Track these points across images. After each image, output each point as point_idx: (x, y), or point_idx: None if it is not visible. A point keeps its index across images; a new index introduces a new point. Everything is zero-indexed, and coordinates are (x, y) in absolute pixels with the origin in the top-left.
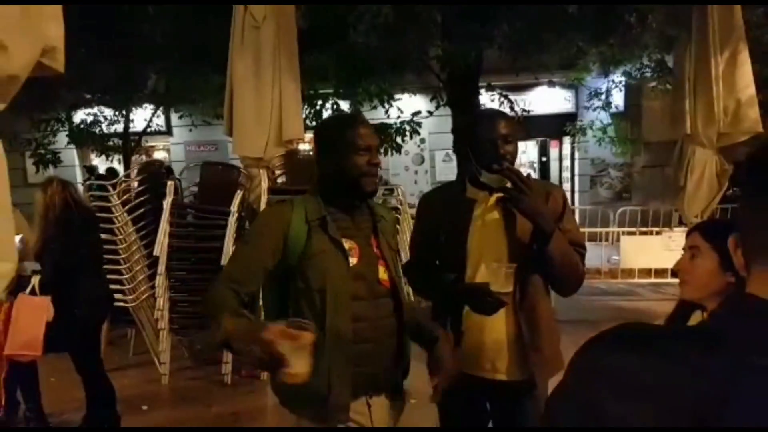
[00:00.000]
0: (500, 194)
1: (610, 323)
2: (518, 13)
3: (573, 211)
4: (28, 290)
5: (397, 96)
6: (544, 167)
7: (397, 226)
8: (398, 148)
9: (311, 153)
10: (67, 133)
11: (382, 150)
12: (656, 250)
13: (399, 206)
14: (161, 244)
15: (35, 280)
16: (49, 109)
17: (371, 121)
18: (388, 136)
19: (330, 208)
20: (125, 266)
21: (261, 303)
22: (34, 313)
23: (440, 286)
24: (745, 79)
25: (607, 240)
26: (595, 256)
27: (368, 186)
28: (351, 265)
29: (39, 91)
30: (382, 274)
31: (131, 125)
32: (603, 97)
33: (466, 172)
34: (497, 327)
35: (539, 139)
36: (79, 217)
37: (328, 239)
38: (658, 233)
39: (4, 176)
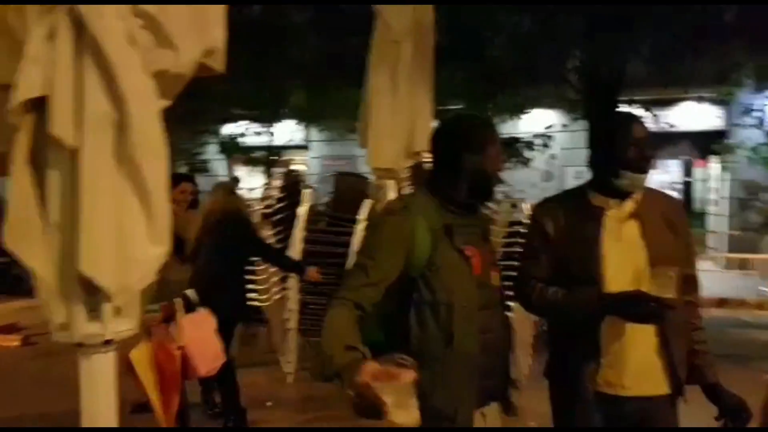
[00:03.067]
0: (634, 205)
1: (759, 360)
2: (666, 21)
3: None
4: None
5: (527, 110)
6: (687, 188)
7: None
8: (525, 162)
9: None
10: (217, 144)
11: (508, 164)
12: None
13: (524, 221)
14: (295, 248)
15: (190, 292)
16: (201, 121)
17: (500, 135)
18: (516, 149)
19: (448, 213)
20: (261, 267)
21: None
22: (203, 328)
23: (579, 299)
24: None
25: (755, 269)
26: (741, 285)
27: (495, 187)
28: (474, 273)
29: (194, 104)
30: (495, 280)
31: (274, 139)
32: (757, 114)
33: (591, 180)
34: (642, 343)
35: (683, 158)
36: (234, 223)
37: (453, 249)
38: None
39: (163, 159)
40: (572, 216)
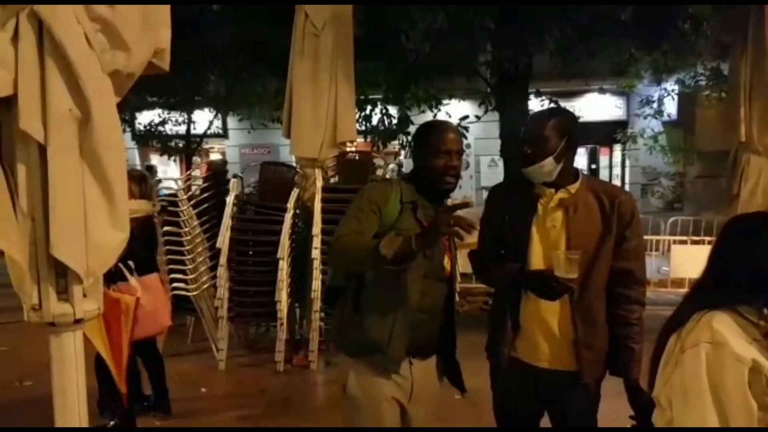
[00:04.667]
0: (563, 195)
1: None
2: (569, 18)
3: (641, 224)
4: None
5: (445, 101)
6: (594, 175)
7: None
8: None
9: (358, 155)
10: (130, 133)
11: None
12: None
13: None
14: (224, 237)
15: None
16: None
17: (419, 126)
18: None
19: (419, 196)
20: (189, 257)
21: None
22: (153, 290)
23: (504, 273)
24: None
25: (657, 250)
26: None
27: (444, 185)
28: None
29: None
30: (446, 263)
31: (193, 128)
32: (655, 105)
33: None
34: (552, 318)
35: (589, 146)
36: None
37: (414, 220)
38: (710, 243)
39: (121, 151)
40: (516, 201)
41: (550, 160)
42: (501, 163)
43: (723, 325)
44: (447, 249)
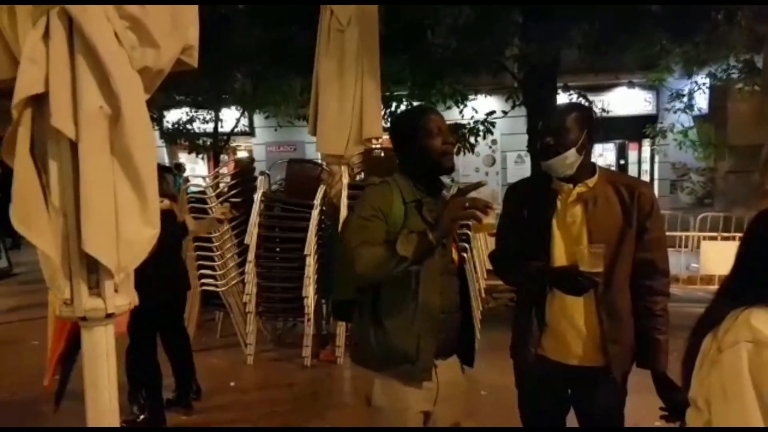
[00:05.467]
0: (582, 189)
1: (686, 332)
2: (598, 12)
3: (663, 216)
4: None
5: (471, 97)
6: (622, 170)
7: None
8: (471, 148)
9: (383, 151)
10: (158, 131)
11: (455, 150)
12: None
13: None
14: (251, 234)
15: None
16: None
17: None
18: (462, 135)
19: (418, 191)
20: (218, 253)
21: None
22: None
23: (528, 271)
24: None
25: (686, 246)
26: (673, 262)
27: (447, 163)
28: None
29: None
30: (454, 254)
31: (220, 126)
32: (685, 98)
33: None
34: (578, 315)
35: (617, 141)
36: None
37: (422, 220)
38: (741, 239)
39: (152, 148)
40: (534, 198)
41: (572, 151)
42: (528, 159)
43: (763, 322)
44: (452, 240)
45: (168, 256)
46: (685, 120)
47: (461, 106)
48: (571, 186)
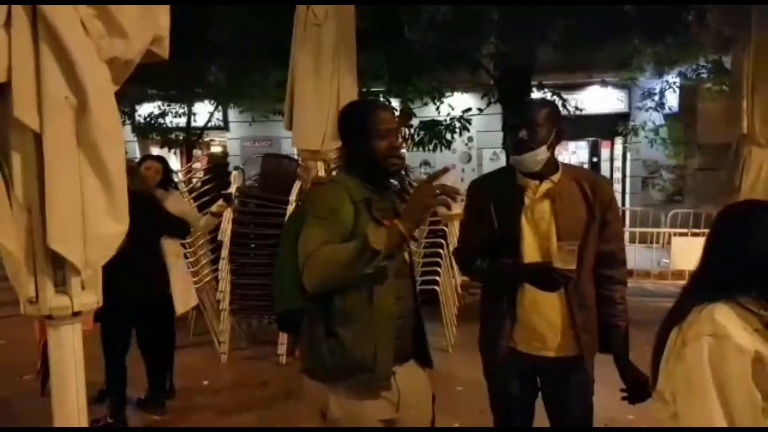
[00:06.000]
0: (548, 185)
1: (657, 326)
2: (573, 11)
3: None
4: None
5: (447, 94)
6: (595, 167)
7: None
8: (448, 145)
9: None
10: (130, 125)
11: (431, 146)
12: None
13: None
14: (225, 230)
15: None
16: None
17: (422, 118)
18: (438, 132)
19: (366, 189)
20: (190, 250)
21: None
22: None
23: (498, 268)
24: None
25: (657, 242)
26: (645, 258)
27: (392, 167)
28: None
29: None
30: (406, 256)
31: (193, 120)
32: (656, 97)
33: None
34: (550, 308)
35: (590, 139)
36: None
37: (372, 220)
38: None
39: (120, 142)
40: (500, 194)
41: (543, 148)
42: (503, 156)
43: (724, 317)
44: None
45: (144, 251)
46: (657, 118)
47: (438, 103)
48: (537, 182)
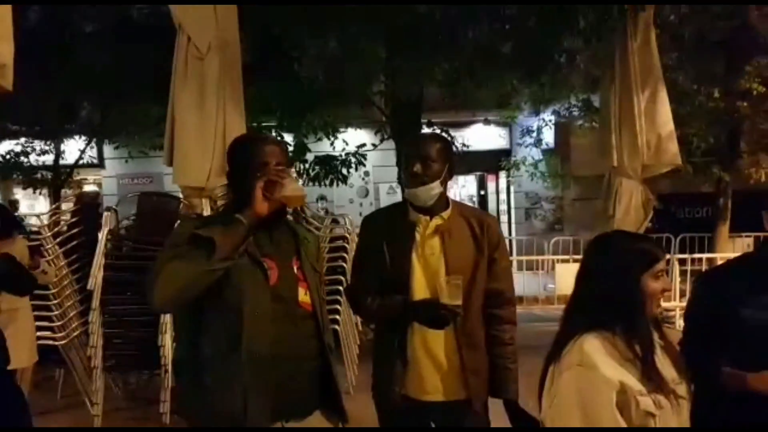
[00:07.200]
0: (439, 221)
1: (546, 350)
2: (457, 51)
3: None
4: None
5: (341, 129)
6: (483, 200)
7: (323, 247)
8: (344, 180)
9: None
10: None
11: (327, 181)
12: None
13: (347, 235)
14: (95, 277)
15: None
16: None
17: (317, 153)
18: (334, 167)
19: None
20: (55, 302)
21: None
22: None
23: (388, 305)
24: (664, 116)
25: (542, 268)
26: (532, 283)
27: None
28: (270, 284)
29: None
30: (303, 296)
31: (62, 158)
32: (534, 134)
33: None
34: (439, 348)
35: (477, 173)
36: None
37: (246, 255)
38: None
39: None
40: (392, 230)
41: (437, 183)
42: (399, 190)
43: (592, 348)
44: (301, 279)
45: None
46: (536, 153)
47: (332, 138)
48: (428, 218)
